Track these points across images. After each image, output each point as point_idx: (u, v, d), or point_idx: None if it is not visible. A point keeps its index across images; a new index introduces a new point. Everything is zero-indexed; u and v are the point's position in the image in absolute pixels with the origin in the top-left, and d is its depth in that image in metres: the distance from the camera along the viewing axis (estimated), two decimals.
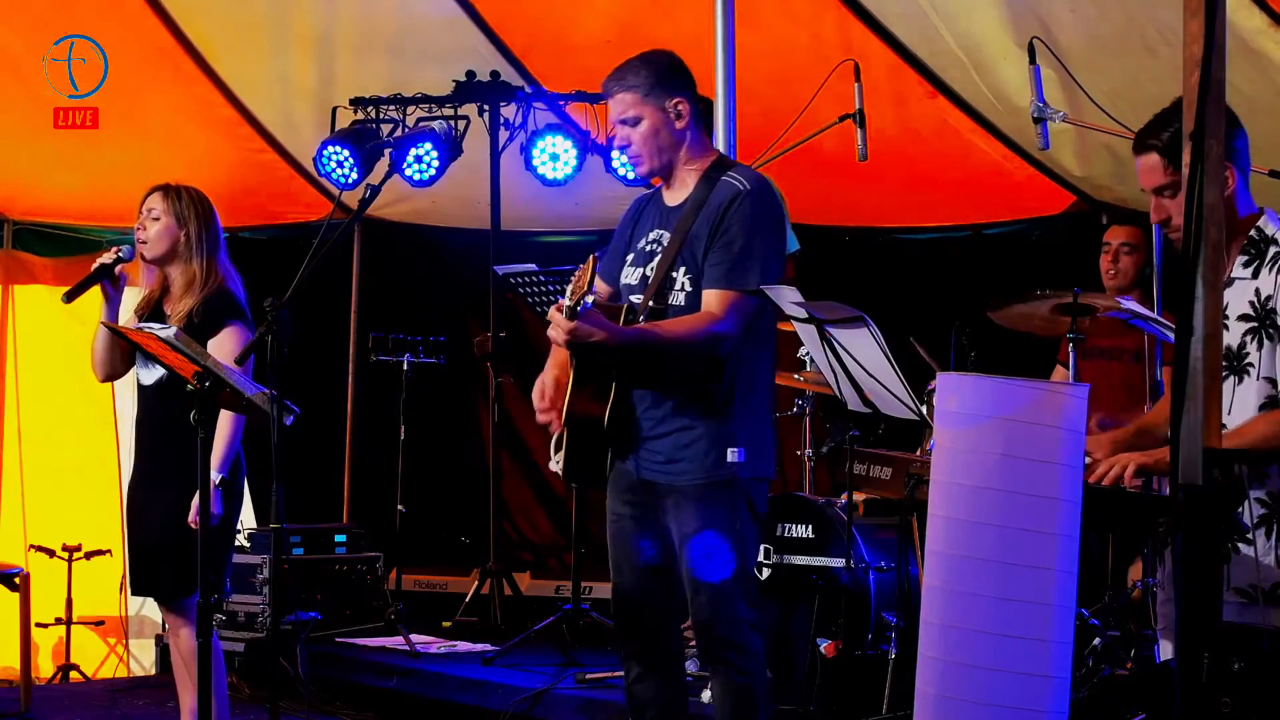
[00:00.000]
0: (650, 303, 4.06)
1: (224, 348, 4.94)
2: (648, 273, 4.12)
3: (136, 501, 5.18)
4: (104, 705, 6.92)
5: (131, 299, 5.29)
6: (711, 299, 4.01)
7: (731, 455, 4.02)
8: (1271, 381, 3.54)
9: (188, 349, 4.53)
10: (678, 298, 4.06)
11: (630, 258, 4.21)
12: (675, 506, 4.07)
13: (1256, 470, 3.54)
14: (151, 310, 5.15)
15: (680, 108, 4.12)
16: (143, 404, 5.21)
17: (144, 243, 5.14)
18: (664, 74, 4.13)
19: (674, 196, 4.19)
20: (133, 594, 5.36)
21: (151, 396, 5.14)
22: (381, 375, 8.15)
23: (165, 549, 5.00)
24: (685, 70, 4.19)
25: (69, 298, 4.98)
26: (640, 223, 4.26)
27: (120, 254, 5.05)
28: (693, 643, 5.82)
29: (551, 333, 3.93)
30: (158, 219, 5.13)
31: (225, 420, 4.94)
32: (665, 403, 4.07)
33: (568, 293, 3.91)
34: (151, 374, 5.09)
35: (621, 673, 4.33)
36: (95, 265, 5.03)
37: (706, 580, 4.02)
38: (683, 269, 4.06)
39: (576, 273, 3.89)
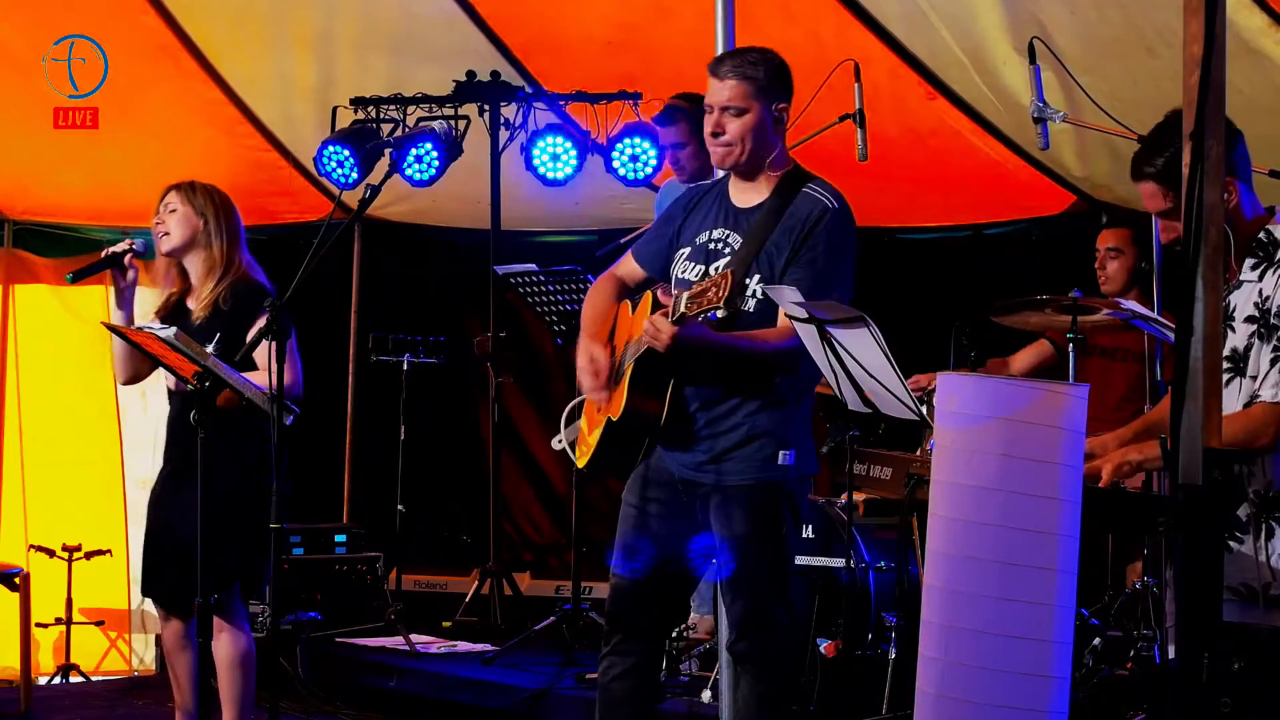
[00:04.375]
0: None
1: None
2: (710, 272, 4.05)
3: (166, 503, 5.09)
4: (104, 705, 6.93)
5: (148, 302, 5.28)
6: None
7: (783, 457, 4.02)
8: (1255, 380, 3.54)
9: (187, 349, 4.53)
10: (749, 304, 4.02)
11: (687, 251, 4.15)
12: (721, 507, 4.03)
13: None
14: (174, 309, 5.13)
15: (784, 113, 4.14)
16: (174, 404, 5.16)
17: (164, 235, 5.13)
18: (779, 75, 4.14)
19: (745, 198, 4.15)
20: (152, 599, 5.27)
21: (181, 398, 5.08)
22: (381, 375, 8.15)
23: (207, 548, 4.95)
24: (791, 79, 4.19)
25: (75, 277, 4.98)
26: (698, 215, 4.20)
27: (134, 246, 5.05)
28: (701, 646, 5.86)
29: (650, 337, 3.87)
30: (175, 210, 5.14)
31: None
32: (721, 402, 4.03)
33: (683, 299, 3.85)
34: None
35: None
36: (106, 252, 5.04)
37: (747, 582, 4.00)
38: (756, 277, 4.02)
39: (707, 281, 3.83)
